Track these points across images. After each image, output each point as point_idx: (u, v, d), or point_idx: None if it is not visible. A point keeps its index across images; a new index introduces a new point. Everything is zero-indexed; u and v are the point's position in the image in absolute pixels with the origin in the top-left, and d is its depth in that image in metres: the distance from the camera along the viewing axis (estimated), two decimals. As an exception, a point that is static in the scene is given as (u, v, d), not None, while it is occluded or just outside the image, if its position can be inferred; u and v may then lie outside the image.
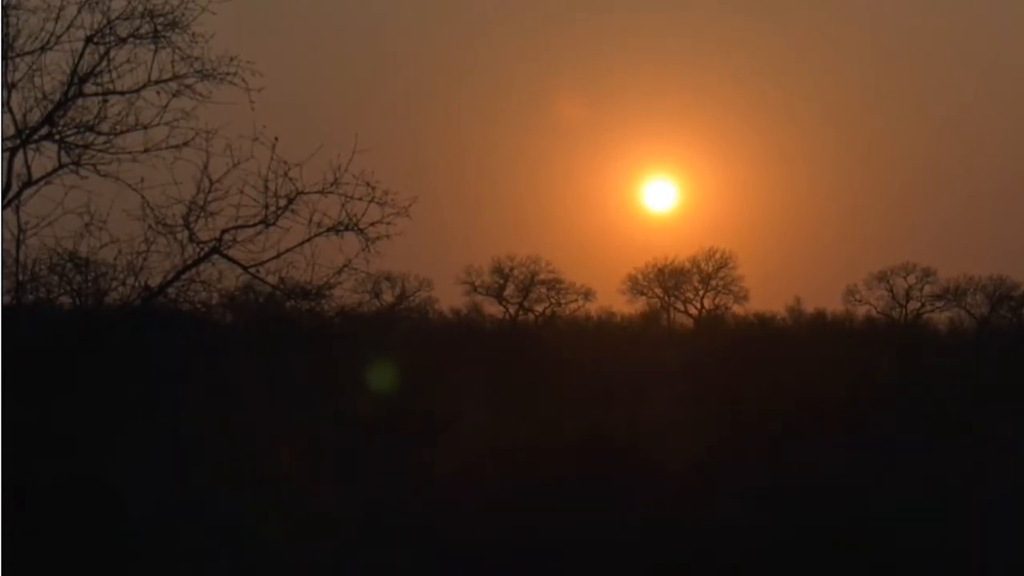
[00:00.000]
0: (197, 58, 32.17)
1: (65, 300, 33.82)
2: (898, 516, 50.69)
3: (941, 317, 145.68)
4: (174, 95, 32.24)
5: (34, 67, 32.13)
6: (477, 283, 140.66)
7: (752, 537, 47.90)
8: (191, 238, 32.05)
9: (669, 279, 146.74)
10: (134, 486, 34.25)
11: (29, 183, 32.13)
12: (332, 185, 31.98)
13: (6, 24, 31.86)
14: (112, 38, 32.14)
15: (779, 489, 50.20)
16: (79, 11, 31.94)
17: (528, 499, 49.32)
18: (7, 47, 31.98)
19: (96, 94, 32.27)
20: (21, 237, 32.16)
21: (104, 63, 32.22)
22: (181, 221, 31.97)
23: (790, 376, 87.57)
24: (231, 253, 32.25)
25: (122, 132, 32.25)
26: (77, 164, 32.19)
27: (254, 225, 32.14)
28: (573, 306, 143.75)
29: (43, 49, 32.09)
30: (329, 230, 32.21)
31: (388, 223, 32.29)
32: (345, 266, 32.74)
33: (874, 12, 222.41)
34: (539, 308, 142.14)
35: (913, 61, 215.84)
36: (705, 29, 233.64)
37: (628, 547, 47.45)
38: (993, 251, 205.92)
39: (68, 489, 31.97)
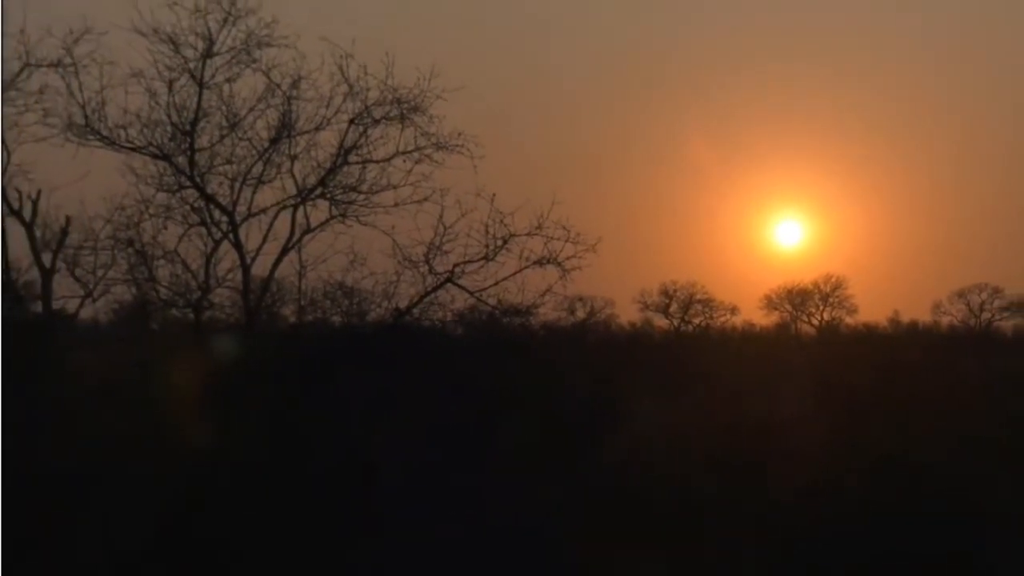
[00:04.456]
0: (433, 134, 32.16)
1: (336, 319, 33.76)
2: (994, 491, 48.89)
3: (1007, 325, 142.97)
4: (416, 162, 32.27)
5: (310, 143, 32.32)
6: (648, 302, 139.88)
7: (869, 508, 46.41)
8: (430, 271, 32.02)
9: (796, 298, 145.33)
10: (390, 465, 33.90)
11: (308, 231, 32.24)
12: (537, 228, 31.80)
13: (289, 111, 31.88)
14: (369, 120, 32.15)
15: (890, 466, 48.61)
16: (344, 100, 32.09)
17: (688, 474, 48.28)
18: (290, 128, 31.95)
19: (357, 163, 32.35)
20: (302, 272, 32.29)
21: (363, 139, 32.31)
22: (423, 258, 31.98)
23: (892, 373, 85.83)
24: (461, 282, 32.21)
25: (377, 191, 32.35)
26: (344, 216, 32.29)
27: (478, 260, 32.07)
28: (722, 319, 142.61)
29: (317, 129, 32.21)
30: (535, 263, 31.93)
31: (580, 257, 31.87)
32: (547, 291, 32.52)
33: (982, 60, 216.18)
34: (696, 321, 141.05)
35: None
36: (825, 78, 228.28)
37: (768, 513, 46.21)
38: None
39: (337, 468, 31.69)
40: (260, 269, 32.27)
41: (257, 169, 32.04)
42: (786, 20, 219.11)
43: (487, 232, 31.71)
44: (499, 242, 31.78)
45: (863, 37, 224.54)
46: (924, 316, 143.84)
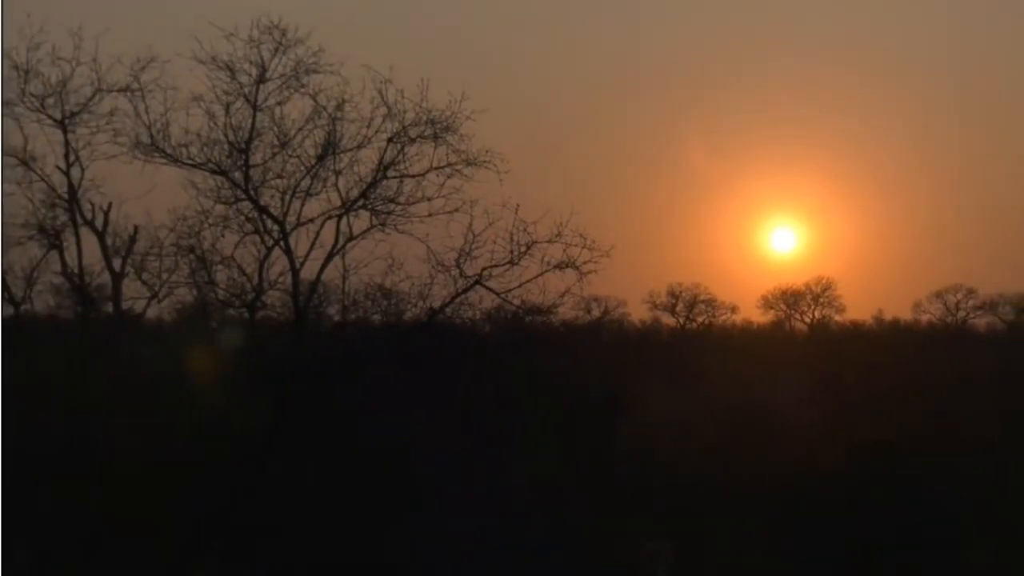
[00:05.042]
0: (464, 151, 31.83)
1: (376, 318, 33.62)
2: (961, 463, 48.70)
3: (980, 322, 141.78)
4: (448, 177, 31.95)
5: (353, 160, 32.13)
6: (657, 302, 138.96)
7: (852, 480, 46.15)
8: (461, 274, 31.71)
9: (790, 298, 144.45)
10: (425, 448, 33.77)
11: (350, 238, 32.10)
12: (556, 236, 31.37)
13: (334, 131, 31.75)
14: (406, 139, 31.92)
15: (875, 449, 48.40)
16: (383, 121, 31.79)
17: (693, 456, 48.13)
18: (335, 146, 31.84)
19: (395, 177, 32.10)
20: (346, 275, 32.22)
21: (400, 156, 32.04)
22: (454, 262, 31.66)
23: (876, 364, 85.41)
24: (489, 284, 31.87)
25: (413, 203, 32.04)
26: (383, 225, 32.07)
27: (503, 264, 31.69)
28: (723, 317, 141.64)
29: (359, 147, 32.00)
30: (555, 267, 31.57)
31: (595, 261, 31.61)
32: (566, 292, 32.13)
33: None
34: (700, 319, 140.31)
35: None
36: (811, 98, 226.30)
37: (765, 487, 46.00)
38: (1016, 272, 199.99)
39: (378, 452, 31.61)
40: (308, 273, 32.16)
41: (305, 183, 31.89)
42: (779, 42, 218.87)
43: (512, 239, 31.41)
44: (523, 248, 31.48)
45: (854, 58, 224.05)
46: (905, 314, 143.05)
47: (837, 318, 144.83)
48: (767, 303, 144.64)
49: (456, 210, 31.64)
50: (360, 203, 31.97)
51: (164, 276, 32.84)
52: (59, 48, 30.68)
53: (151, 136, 30.92)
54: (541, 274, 31.69)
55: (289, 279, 31.96)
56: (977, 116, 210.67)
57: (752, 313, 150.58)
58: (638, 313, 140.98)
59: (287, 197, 31.80)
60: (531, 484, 40.01)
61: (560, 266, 31.57)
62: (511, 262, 31.61)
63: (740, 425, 53.29)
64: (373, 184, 31.94)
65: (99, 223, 32.13)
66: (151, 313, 34.04)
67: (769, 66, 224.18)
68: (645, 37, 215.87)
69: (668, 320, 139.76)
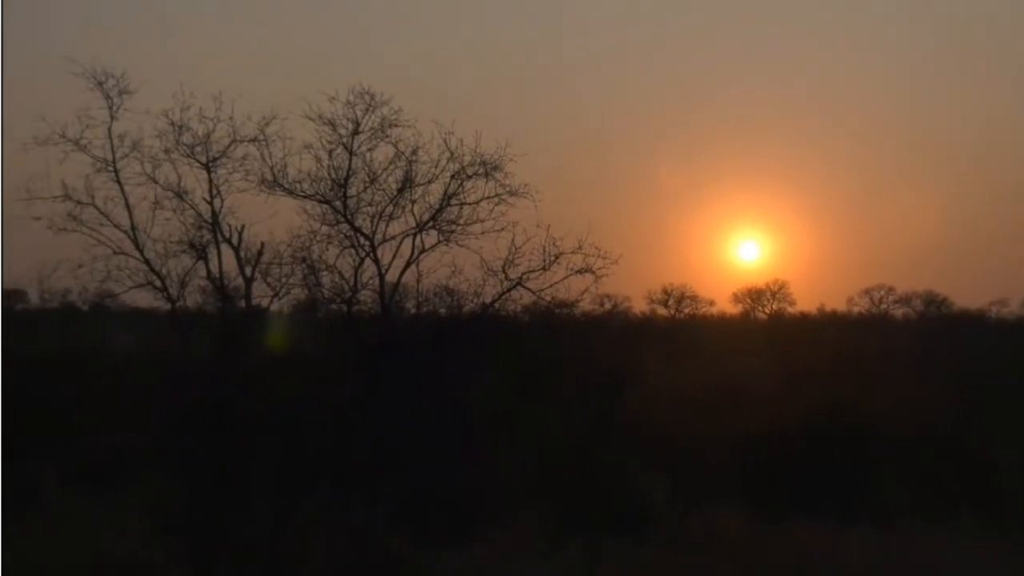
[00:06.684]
0: (508, 184, 31.76)
1: (442, 311, 33.63)
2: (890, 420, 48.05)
3: (898, 313, 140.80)
4: (496, 204, 31.85)
5: (425, 192, 32.12)
6: (654, 298, 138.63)
7: (802, 433, 45.60)
8: (506, 277, 31.68)
9: (754, 295, 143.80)
10: (480, 410, 33.62)
11: (423, 251, 32.13)
12: (578, 248, 31.28)
13: (410, 170, 31.83)
14: (464, 176, 31.88)
15: (816, 405, 47.85)
16: (447, 162, 31.79)
17: (682, 417, 47.72)
18: (411, 182, 31.90)
19: (456, 204, 32.05)
20: (420, 279, 32.31)
21: (460, 188, 31.99)
22: (500, 268, 31.65)
23: (820, 345, 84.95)
24: (527, 285, 31.81)
25: (470, 224, 31.99)
26: (447, 241, 32.03)
27: (538, 270, 31.66)
28: (704, 309, 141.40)
29: (429, 183, 32.03)
30: (577, 272, 31.47)
31: (607, 267, 31.48)
32: (585, 291, 32.04)
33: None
34: (686, 311, 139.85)
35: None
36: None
37: (736, 438, 45.54)
38: (926, 274, 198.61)
39: (444, 412, 31.49)
40: (391, 277, 32.24)
41: (389, 210, 31.93)
42: (747, 81, 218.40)
43: (544, 251, 31.40)
44: (552, 257, 31.43)
45: (811, 89, 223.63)
46: (841, 306, 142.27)
47: (790, 310, 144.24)
48: (736, 298, 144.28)
49: (502, 229, 31.63)
50: (430, 224, 31.98)
51: (283, 280, 32.83)
52: (204, 109, 30.96)
53: (273, 175, 31.09)
54: (566, 277, 31.61)
55: (377, 282, 32.09)
56: (903, 150, 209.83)
57: (726, 306, 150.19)
58: (639, 306, 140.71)
59: (375, 220, 31.88)
60: (557, 436, 39.96)
61: (581, 271, 31.45)
62: (543, 268, 31.57)
63: (718, 392, 52.93)
64: (440, 210, 31.94)
65: (234, 240, 32.21)
66: (274, 307, 34.18)
67: (740, 102, 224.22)
68: (644, 86, 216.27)
69: (662, 312, 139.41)
